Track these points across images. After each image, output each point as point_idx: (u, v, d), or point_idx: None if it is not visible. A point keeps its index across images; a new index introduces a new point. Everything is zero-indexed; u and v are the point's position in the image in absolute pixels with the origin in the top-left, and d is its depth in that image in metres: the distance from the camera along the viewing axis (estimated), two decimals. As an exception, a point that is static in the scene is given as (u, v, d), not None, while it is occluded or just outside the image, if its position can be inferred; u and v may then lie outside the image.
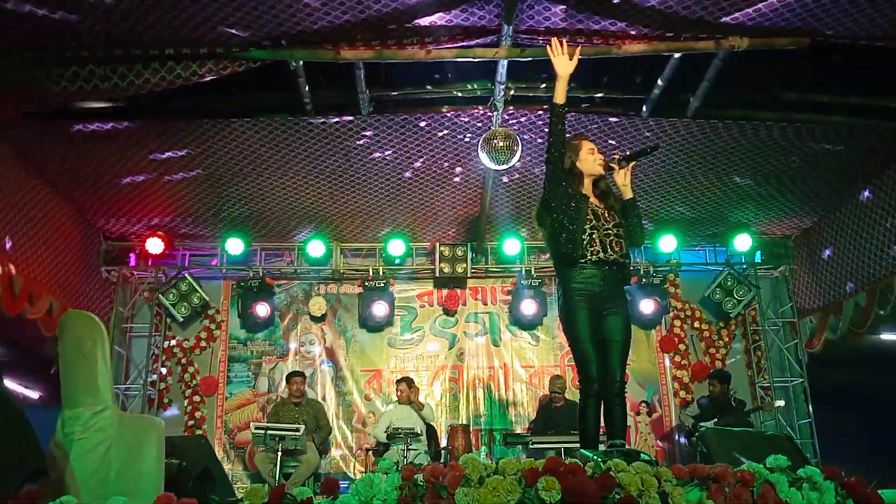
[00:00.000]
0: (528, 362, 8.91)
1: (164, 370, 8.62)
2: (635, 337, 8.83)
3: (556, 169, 3.85)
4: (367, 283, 8.64)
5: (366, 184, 7.40)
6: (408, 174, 7.26)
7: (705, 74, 5.70)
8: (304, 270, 9.00)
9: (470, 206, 7.99)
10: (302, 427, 6.90)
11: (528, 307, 8.58)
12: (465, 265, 8.69)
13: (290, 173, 7.13)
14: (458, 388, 8.81)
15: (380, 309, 8.57)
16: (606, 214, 3.82)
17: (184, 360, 8.67)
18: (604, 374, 3.62)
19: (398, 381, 7.95)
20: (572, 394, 8.14)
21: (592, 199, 3.86)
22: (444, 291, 9.02)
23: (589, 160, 3.94)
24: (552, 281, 8.85)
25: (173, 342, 8.72)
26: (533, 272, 8.74)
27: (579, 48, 4.00)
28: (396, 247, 8.52)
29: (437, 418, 8.46)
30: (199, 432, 8.31)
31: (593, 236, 3.73)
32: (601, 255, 3.69)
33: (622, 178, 3.85)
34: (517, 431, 8.34)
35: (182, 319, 8.54)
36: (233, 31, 4.99)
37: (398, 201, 7.82)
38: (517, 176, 7.33)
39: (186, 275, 8.53)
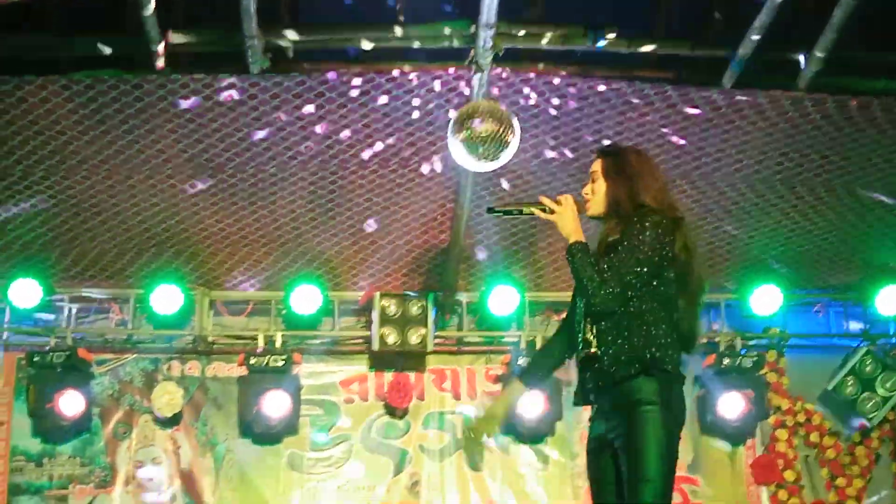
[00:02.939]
0: (531, 498, 8.91)
1: None
2: (713, 458, 8.95)
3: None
4: (253, 361, 8.59)
5: (254, 189, 7.42)
6: (325, 175, 7.29)
7: (829, 19, 5.79)
8: (145, 337, 8.94)
9: (433, 230, 8.05)
10: None
11: (531, 405, 8.57)
12: (423, 331, 8.68)
13: (125, 169, 7.12)
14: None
15: (275, 404, 8.52)
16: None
17: (-70, 492, 8.52)
18: None
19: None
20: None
21: None
22: (388, 376, 9.02)
23: None
24: (572, 361, 8.85)
25: (-87, 459, 8.58)
26: (538, 345, 8.78)
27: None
28: (306, 298, 8.52)
29: None
30: None
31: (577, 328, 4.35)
32: (578, 353, 4.34)
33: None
34: None
35: (-71, 419, 8.43)
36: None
37: (309, 221, 7.84)
38: (513, 180, 7.39)
39: (-61, 342, 8.46)
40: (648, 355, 4.00)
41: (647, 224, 4.05)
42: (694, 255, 4.16)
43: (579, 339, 4.26)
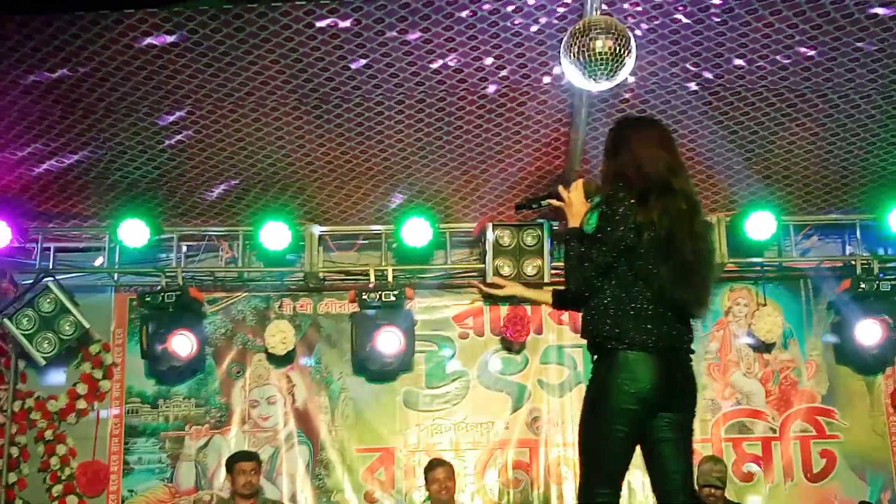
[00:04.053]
0: (655, 434, 8.86)
1: (14, 450, 8.74)
2: (850, 388, 8.84)
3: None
4: (364, 297, 8.64)
5: (360, 120, 7.43)
6: (433, 102, 7.26)
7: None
8: (255, 275, 9.07)
9: (547, 156, 7.98)
10: (255, 551, 6.95)
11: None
12: (539, 262, 8.62)
13: (229, 103, 7.19)
14: (531, 480, 8.84)
15: (389, 342, 8.58)
16: None
17: (49, 434, 8.78)
18: None
19: (428, 469, 7.98)
20: (736, 490, 8.05)
21: None
22: (503, 309, 9.02)
23: None
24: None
25: (30, 401, 8.85)
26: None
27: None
28: (416, 231, 8.52)
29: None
30: (76, 559, 8.42)
31: None
32: None
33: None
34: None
35: (45, 361, 8.65)
36: None
37: (418, 151, 7.84)
38: (631, 100, 7.28)
39: (50, 283, 8.62)
40: (607, 334, 4.19)
41: (606, 205, 4.24)
42: (679, 220, 4.20)
43: None
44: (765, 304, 8.83)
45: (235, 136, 7.59)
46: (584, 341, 4.36)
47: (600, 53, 5.82)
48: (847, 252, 8.89)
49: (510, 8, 6.34)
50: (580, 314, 4.39)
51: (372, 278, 8.77)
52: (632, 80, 6.76)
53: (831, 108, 7.27)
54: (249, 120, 7.40)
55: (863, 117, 7.40)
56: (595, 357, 4.31)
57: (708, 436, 8.78)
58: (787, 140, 7.66)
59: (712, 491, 7.69)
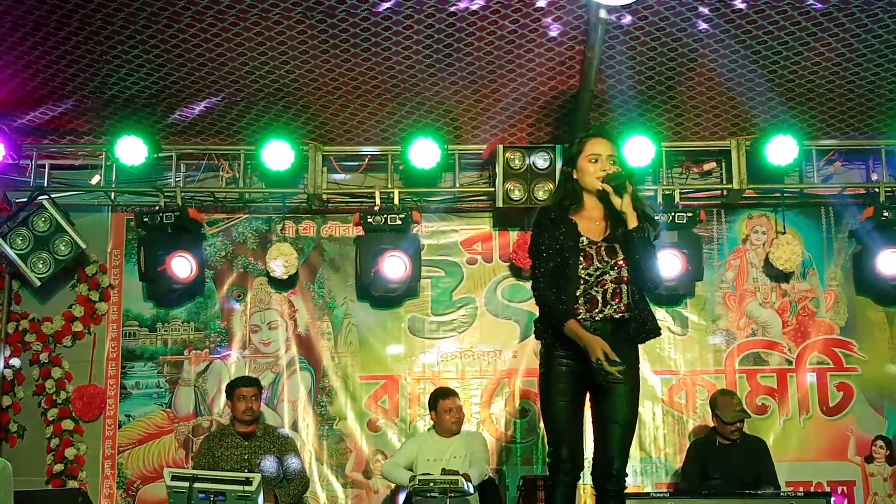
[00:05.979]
0: (667, 365, 8.94)
1: (8, 373, 8.82)
2: (870, 319, 8.83)
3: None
4: (370, 220, 8.65)
5: (367, 35, 7.38)
6: (442, 15, 7.19)
7: None
8: (256, 196, 9.08)
9: (560, 75, 7.94)
10: (256, 477, 6.97)
11: (667, 264, 8.45)
12: (550, 186, 8.49)
13: (231, 15, 7.16)
14: (539, 411, 8.85)
15: (395, 266, 8.59)
16: (605, 252, 4.98)
17: (44, 357, 8.87)
18: (597, 458, 5.02)
19: (441, 397, 8.01)
20: (750, 422, 8.11)
21: (588, 234, 5.00)
22: (513, 234, 9.03)
23: (588, 172, 5.04)
24: (714, 216, 8.82)
25: (24, 323, 8.93)
26: (676, 199, 8.67)
27: None
28: (424, 152, 8.50)
29: (501, 465, 8.56)
30: (73, 485, 8.51)
31: (579, 291, 4.94)
32: (590, 314, 4.96)
33: (619, 202, 4.94)
34: (647, 490, 8.40)
35: (39, 282, 8.69)
36: None
37: (427, 68, 7.80)
38: (650, 17, 7.22)
39: (45, 202, 8.63)
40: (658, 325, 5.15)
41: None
42: None
43: (597, 300, 4.95)
44: (784, 232, 8.80)
45: (237, 51, 7.56)
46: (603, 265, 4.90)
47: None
48: (871, 179, 8.84)
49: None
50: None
51: (377, 201, 8.77)
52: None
53: (858, 27, 7.19)
54: (252, 34, 7.35)
55: (891, 37, 7.32)
56: (636, 342, 5.07)
57: (721, 367, 8.85)
58: (812, 61, 7.60)
59: (739, 425, 7.77)
